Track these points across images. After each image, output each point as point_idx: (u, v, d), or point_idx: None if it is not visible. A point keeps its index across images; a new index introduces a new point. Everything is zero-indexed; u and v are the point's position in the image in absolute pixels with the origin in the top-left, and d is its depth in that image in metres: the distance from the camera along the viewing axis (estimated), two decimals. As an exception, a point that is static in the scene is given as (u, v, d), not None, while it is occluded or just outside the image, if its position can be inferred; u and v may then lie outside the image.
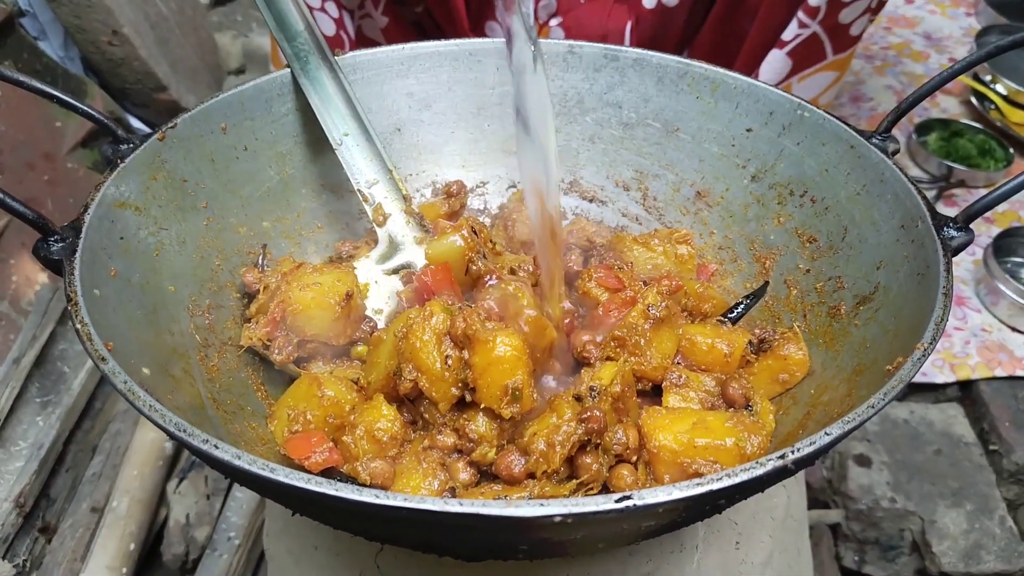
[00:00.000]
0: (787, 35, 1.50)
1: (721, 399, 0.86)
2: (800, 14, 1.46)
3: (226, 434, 0.80)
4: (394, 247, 1.05)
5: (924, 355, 0.69)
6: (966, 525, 1.54)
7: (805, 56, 1.52)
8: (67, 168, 1.86)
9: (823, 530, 1.63)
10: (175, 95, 2.15)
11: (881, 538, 1.60)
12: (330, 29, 1.56)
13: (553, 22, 1.58)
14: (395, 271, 1.04)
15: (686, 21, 1.60)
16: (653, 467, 0.78)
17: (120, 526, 1.46)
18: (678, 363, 0.91)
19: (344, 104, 1.04)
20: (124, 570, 1.43)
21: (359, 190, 1.05)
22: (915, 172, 2.14)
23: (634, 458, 0.79)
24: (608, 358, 0.87)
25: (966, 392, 1.73)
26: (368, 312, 0.99)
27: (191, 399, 0.80)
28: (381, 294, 1.02)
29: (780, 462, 0.59)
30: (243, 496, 1.55)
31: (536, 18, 1.59)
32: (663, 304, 0.88)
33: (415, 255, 1.04)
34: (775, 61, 1.53)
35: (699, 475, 0.72)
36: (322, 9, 1.54)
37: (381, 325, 0.98)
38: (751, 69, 1.56)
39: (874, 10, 1.50)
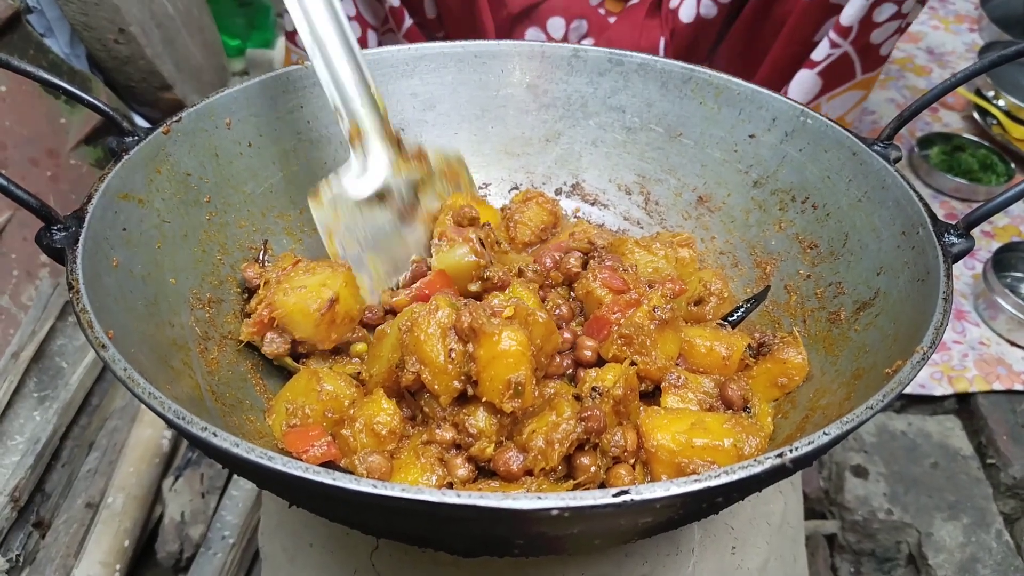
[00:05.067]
0: (818, 55, 1.50)
1: (719, 400, 0.86)
2: (832, 34, 1.47)
3: (224, 426, 0.80)
4: (368, 169, 1.02)
5: (923, 358, 0.69)
6: (962, 538, 1.53)
7: (835, 76, 1.53)
8: (71, 164, 1.86)
9: (819, 541, 1.63)
10: (180, 94, 2.16)
11: (877, 550, 1.60)
12: None
13: (585, 43, 1.59)
14: (376, 199, 1.02)
15: (718, 33, 1.60)
16: (651, 467, 0.78)
17: (115, 522, 1.46)
18: (677, 364, 0.91)
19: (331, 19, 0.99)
20: (118, 567, 1.42)
21: (335, 106, 0.99)
22: (917, 185, 2.14)
23: (632, 461, 0.79)
24: (614, 357, 0.87)
25: (964, 405, 1.73)
26: (342, 254, 0.98)
27: (190, 391, 0.80)
28: (359, 232, 1.01)
29: (778, 460, 0.59)
30: (239, 494, 1.54)
31: (566, 39, 1.59)
32: (668, 307, 0.88)
33: (390, 178, 1.02)
34: (805, 81, 1.53)
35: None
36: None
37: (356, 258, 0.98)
38: (773, 82, 1.57)
39: (903, 30, 1.51)
